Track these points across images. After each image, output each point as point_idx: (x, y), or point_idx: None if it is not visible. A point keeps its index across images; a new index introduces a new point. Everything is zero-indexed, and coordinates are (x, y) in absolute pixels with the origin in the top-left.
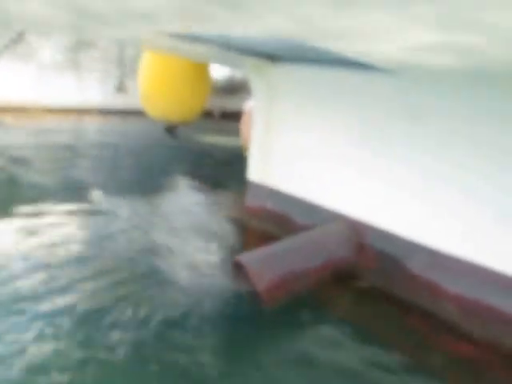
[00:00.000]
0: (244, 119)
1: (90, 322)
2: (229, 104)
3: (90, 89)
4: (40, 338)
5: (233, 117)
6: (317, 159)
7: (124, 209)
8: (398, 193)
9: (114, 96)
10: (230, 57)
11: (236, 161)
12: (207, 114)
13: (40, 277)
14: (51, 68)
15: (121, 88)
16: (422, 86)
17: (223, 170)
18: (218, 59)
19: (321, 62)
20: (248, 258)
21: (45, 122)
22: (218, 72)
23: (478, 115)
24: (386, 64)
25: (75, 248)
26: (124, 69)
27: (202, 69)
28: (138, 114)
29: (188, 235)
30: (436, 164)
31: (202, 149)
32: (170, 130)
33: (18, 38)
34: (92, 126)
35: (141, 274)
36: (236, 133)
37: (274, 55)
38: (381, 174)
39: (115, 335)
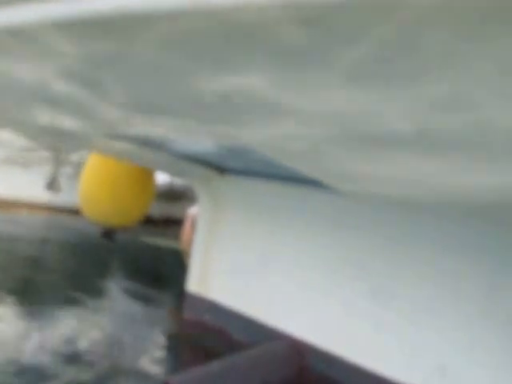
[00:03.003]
0: (186, 225)
1: None
2: (169, 210)
3: (34, 184)
4: None
5: (173, 223)
6: (259, 274)
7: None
8: (342, 313)
9: (49, 193)
10: (174, 165)
11: (176, 267)
12: (147, 220)
13: None
14: (2, 163)
15: (52, 186)
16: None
17: (161, 277)
18: (162, 166)
19: (273, 177)
20: (180, 379)
21: None
22: (159, 178)
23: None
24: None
25: None
26: (59, 166)
27: (146, 174)
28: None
29: (118, 348)
30: (384, 284)
31: (141, 251)
32: (108, 234)
33: None
34: (32, 220)
35: None
36: (175, 238)
37: (223, 166)
38: (324, 293)
39: None
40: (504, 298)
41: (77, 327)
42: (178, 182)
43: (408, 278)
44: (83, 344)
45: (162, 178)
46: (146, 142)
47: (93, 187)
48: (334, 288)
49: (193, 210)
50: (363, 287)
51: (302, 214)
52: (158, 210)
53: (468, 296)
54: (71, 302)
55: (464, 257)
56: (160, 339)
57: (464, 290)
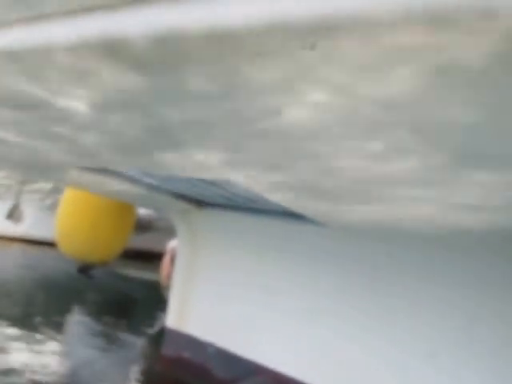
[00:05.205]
0: (165, 259)
1: None
2: (135, 242)
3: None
4: None
5: (141, 256)
6: (240, 307)
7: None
8: (329, 346)
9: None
10: (152, 198)
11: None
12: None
13: None
14: None
15: (12, 215)
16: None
17: (139, 311)
18: (138, 200)
19: (253, 210)
20: None
21: None
22: None
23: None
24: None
25: None
26: (20, 195)
27: (125, 208)
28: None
29: None
30: (373, 314)
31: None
32: (84, 270)
33: None
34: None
35: None
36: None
37: (202, 200)
38: (309, 325)
39: None
40: (486, 324)
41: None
42: (144, 212)
43: (398, 307)
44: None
45: None
46: (122, 175)
47: (70, 222)
48: (320, 320)
49: (172, 244)
50: (351, 318)
51: (284, 247)
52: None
53: (455, 322)
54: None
55: (452, 284)
56: (137, 377)
57: (451, 316)
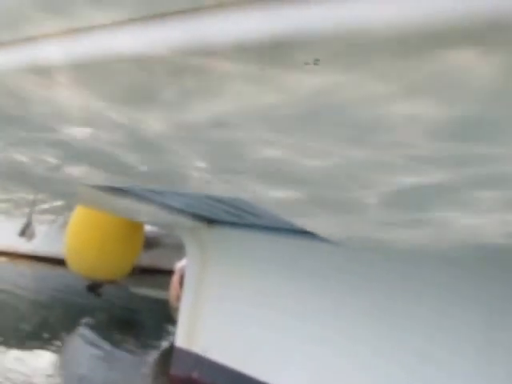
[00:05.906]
0: (174, 279)
1: None
2: (141, 260)
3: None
4: None
5: (148, 273)
6: (251, 327)
7: None
8: (341, 366)
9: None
10: (161, 217)
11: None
12: None
13: None
14: None
15: (25, 233)
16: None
17: (147, 330)
18: (148, 218)
19: (263, 228)
20: None
21: None
22: None
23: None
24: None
25: None
26: (33, 212)
27: (134, 226)
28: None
29: None
30: (385, 335)
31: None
32: (93, 288)
33: None
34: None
35: None
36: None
37: (211, 218)
38: (321, 345)
39: None
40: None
41: None
42: (150, 228)
43: (410, 327)
44: None
45: None
46: (131, 193)
47: (79, 239)
48: (332, 340)
49: (180, 264)
50: (363, 338)
51: (295, 265)
52: None
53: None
54: None
55: (464, 303)
56: None
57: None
